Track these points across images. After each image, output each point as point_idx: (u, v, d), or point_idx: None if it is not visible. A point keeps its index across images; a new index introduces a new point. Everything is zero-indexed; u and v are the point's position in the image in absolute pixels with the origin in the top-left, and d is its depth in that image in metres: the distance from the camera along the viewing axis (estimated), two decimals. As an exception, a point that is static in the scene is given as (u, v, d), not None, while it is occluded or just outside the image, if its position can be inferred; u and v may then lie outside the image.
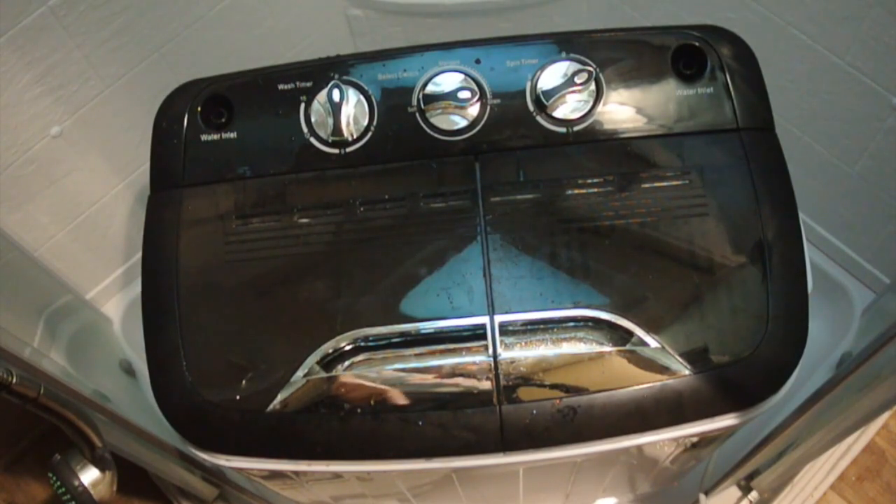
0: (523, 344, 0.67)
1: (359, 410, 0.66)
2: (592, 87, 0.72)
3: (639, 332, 0.66)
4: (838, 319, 1.27)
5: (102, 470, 0.68)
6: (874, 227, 1.20)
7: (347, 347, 0.68)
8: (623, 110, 0.73)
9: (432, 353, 0.67)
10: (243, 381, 0.68)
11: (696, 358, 0.66)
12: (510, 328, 0.67)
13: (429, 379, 0.67)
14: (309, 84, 0.74)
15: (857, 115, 1.09)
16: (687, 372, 0.66)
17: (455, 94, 0.72)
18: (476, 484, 0.89)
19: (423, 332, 0.67)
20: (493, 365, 0.66)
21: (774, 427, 0.87)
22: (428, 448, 0.67)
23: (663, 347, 0.66)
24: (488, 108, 0.73)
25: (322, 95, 0.73)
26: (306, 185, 0.73)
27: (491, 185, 0.71)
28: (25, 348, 0.98)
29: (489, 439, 0.66)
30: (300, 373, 0.67)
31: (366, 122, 0.73)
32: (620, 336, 0.67)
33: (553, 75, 0.72)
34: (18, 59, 0.98)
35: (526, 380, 0.66)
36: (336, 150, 0.73)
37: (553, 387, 0.66)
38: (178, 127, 0.74)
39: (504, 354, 0.66)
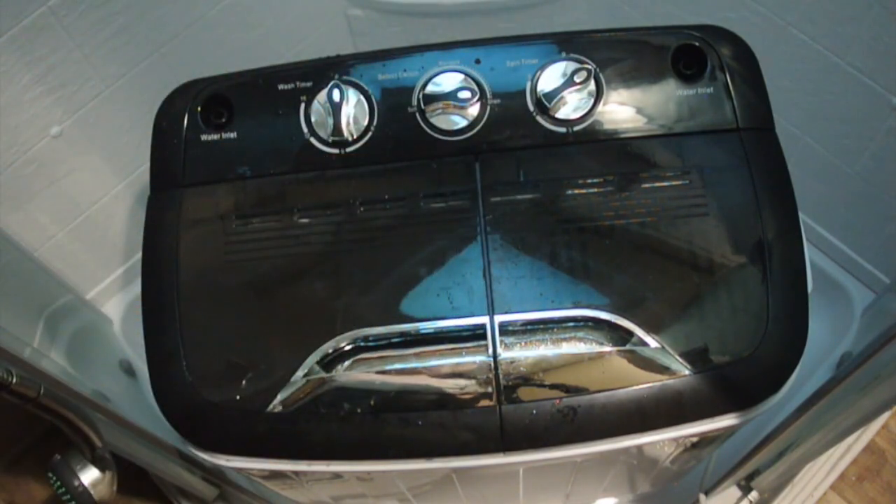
0: (523, 344, 0.67)
1: (359, 410, 0.66)
2: (592, 86, 0.72)
3: (639, 332, 0.66)
4: (838, 319, 1.27)
5: (102, 470, 0.68)
6: (874, 227, 1.20)
7: (347, 347, 0.68)
8: (623, 110, 0.73)
9: (432, 353, 0.67)
10: (243, 381, 0.68)
11: (696, 358, 0.66)
12: (510, 328, 0.67)
13: (429, 379, 0.67)
14: (309, 84, 0.74)
15: (857, 115, 1.09)
16: (687, 372, 0.66)
17: (455, 94, 0.72)
18: (476, 484, 0.89)
19: (423, 332, 0.67)
20: (493, 365, 0.66)
21: (774, 427, 0.87)
22: (428, 448, 0.67)
23: (663, 347, 0.66)
24: (488, 108, 0.73)
25: (322, 95, 0.73)
26: (306, 185, 0.73)
27: (491, 185, 0.71)
28: (25, 348, 0.98)
29: (489, 439, 0.66)
30: (300, 373, 0.67)
31: (366, 122, 0.73)
32: (620, 336, 0.67)
33: (553, 75, 0.72)
34: (18, 59, 0.98)
35: (526, 380, 0.66)
36: (336, 150, 0.73)
37: (553, 387, 0.66)
38: (178, 127, 0.74)
39: (504, 354, 0.66)
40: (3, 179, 1.05)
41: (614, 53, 0.73)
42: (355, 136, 0.73)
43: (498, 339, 0.66)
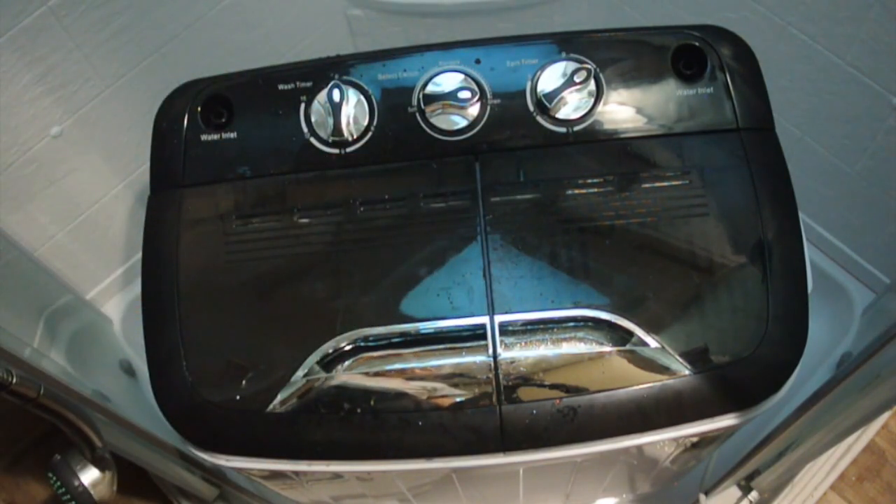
0: (523, 344, 0.67)
1: (359, 410, 0.66)
2: (592, 86, 0.72)
3: (639, 332, 0.66)
4: (838, 319, 1.27)
5: (102, 470, 0.68)
6: (874, 227, 1.20)
7: (347, 347, 0.68)
8: (623, 110, 0.73)
9: (432, 353, 0.67)
10: (243, 381, 0.68)
11: (696, 358, 0.66)
12: (510, 328, 0.67)
13: (429, 379, 0.67)
14: (309, 84, 0.74)
15: (857, 115, 1.09)
16: (687, 372, 0.66)
17: (455, 94, 0.72)
18: (476, 484, 0.89)
19: (423, 332, 0.67)
20: (493, 365, 0.66)
21: (774, 427, 0.87)
22: (428, 448, 0.67)
23: (663, 347, 0.66)
24: (488, 108, 0.73)
25: (322, 95, 0.73)
26: (306, 185, 0.73)
27: (491, 185, 0.71)
28: (25, 348, 0.98)
29: (489, 439, 0.66)
30: (300, 373, 0.67)
31: (366, 122, 0.73)
32: (620, 336, 0.67)
33: (553, 75, 0.72)
34: (18, 59, 0.98)
35: (526, 380, 0.66)
36: (336, 150, 0.73)
37: (553, 387, 0.66)
38: (178, 127, 0.74)
39: (504, 354, 0.66)
40: (3, 179, 1.05)
41: (614, 53, 0.73)
42: (355, 136, 0.73)
43: (498, 339, 0.66)
